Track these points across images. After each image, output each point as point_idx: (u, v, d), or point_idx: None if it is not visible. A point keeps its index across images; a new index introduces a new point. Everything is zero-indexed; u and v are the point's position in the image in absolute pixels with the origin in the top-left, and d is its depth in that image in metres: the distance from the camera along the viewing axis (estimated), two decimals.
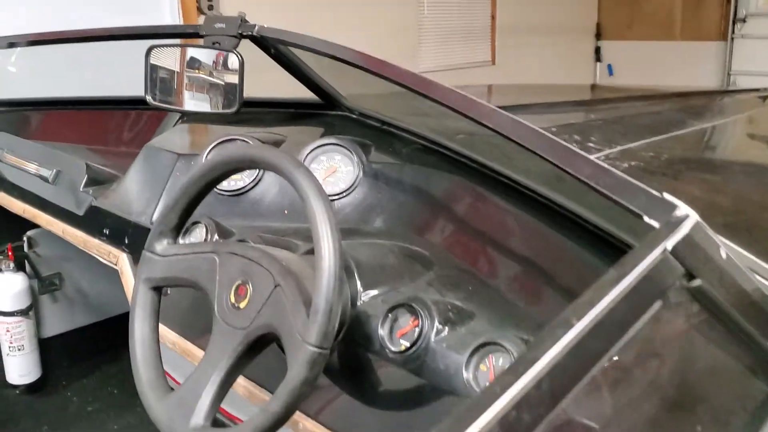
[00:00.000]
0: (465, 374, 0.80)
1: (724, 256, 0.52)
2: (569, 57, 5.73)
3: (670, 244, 0.48)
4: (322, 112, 1.51)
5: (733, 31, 5.48)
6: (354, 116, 1.45)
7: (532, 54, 5.21)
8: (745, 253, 0.73)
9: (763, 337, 0.54)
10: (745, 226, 1.05)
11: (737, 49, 5.50)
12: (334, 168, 1.22)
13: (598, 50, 6.01)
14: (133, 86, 1.49)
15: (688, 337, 0.53)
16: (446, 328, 0.85)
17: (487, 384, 0.79)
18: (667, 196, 0.53)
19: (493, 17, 5.07)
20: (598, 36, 6.02)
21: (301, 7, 3.53)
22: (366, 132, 1.34)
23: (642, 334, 0.46)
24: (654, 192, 0.54)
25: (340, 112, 1.48)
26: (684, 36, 5.65)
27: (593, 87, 4.44)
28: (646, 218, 0.51)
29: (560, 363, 0.40)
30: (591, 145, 1.44)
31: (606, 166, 0.58)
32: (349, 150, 1.21)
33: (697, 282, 0.50)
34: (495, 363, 0.80)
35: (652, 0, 5.72)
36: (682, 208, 0.51)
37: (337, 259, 0.76)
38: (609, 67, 5.96)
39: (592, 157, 0.61)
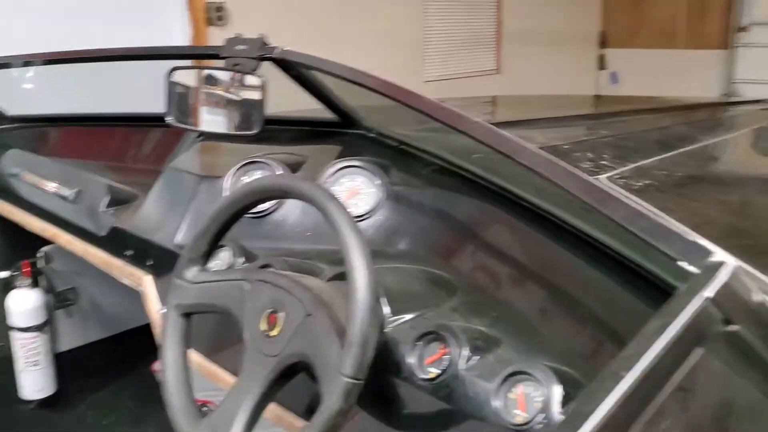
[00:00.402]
0: (495, 402, 0.82)
1: (760, 299, 0.54)
2: (574, 65, 5.75)
3: (709, 292, 0.50)
4: (340, 130, 1.53)
5: (736, 40, 5.50)
6: (371, 135, 1.47)
7: (537, 62, 5.23)
8: None
9: None
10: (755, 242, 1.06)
11: (740, 57, 5.52)
12: (356, 190, 1.23)
13: (602, 58, 6.04)
14: (149, 102, 1.51)
15: (727, 381, 0.55)
16: (474, 356, 0.87)
17: (516, 412, 0.81)
18: (702, 241, 0.55)
19: (498, 25, 5.09)
20: (603, 44, 6.04)
21: (307, 20, 3.55)
22: (384, 152, 1.35)
23: (684, 381, 0.47)
24: (689, 236, 0.55)
25: (357, 131, 1.50)
26: (688, 44, 5.67)
27: (601, 98, 4.46)
28: (683, 263, 0.53)
29: (612, 414, 0.42)
30: (605, 163, 1.46)
31: (641, 208, 0.60)
32: (371, 172, 1.23)
33: (734, 327, 0.52)
34: (524, 391, 0.81)
35: (656, 8, 5.73)
36: (719, 254, 0.53)
37: (372, 290, 0.78)
38: (613, 74, 5.98)
39: (631, 199, 0.62)
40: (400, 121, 1.43)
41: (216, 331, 1.15)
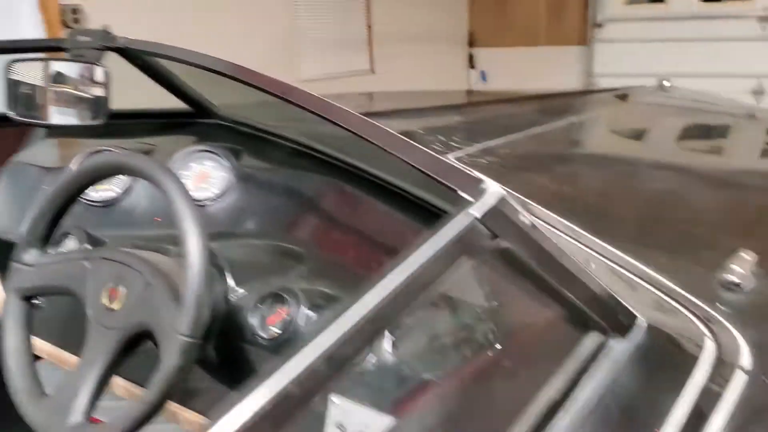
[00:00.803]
0: None
1: (528, 222, 0.62)
2: (445, 64, 5.98)
3: (477, 212, 0.58)
4: (194, 120, 1.54)
5: (593, 36, 5.90)
6: (226, 124, 1.49)
7: (410, 62, 5.39)
8: (566, 222, 0.85)
9: (562, 287, 0.65)
10: (572, 205, 1.19)
11: (597, 52, 5.92)
12: (206, 174, 1.25)
13: (471, 57, 6.31)
14: None
15: (497, 289, 0.63)
16: (314, 313, 0.92)
17: None
18: (476, 174, 0.63)
19: (369, 26, 5.21)
20: (472, 44, 6.31)
21: (170, 20, 3.50)
22: (239, 139, 1.38)
23: (451, 287, 0.54)
24: (467, 171, 0.63)
25: (212, 121, 1.52)
26: (548, 41, 6.02)
27: (465, 92, 4.67)
28: (460, 192, 0.61)
29: (372, 315, 0.48)
30: (453, 144, 1.56)
31: (429, 152, 0.67)
32: (219, 156, 1.26)
33: (502, 243, 0.60)
34: None
35: (518, 8, 6.06)
36: (491, 185, 0.61)
37: (204, 253, 0.81)
38: (482, 73, 6.26)
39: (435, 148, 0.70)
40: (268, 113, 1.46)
41: (66, 319, 1.14)
